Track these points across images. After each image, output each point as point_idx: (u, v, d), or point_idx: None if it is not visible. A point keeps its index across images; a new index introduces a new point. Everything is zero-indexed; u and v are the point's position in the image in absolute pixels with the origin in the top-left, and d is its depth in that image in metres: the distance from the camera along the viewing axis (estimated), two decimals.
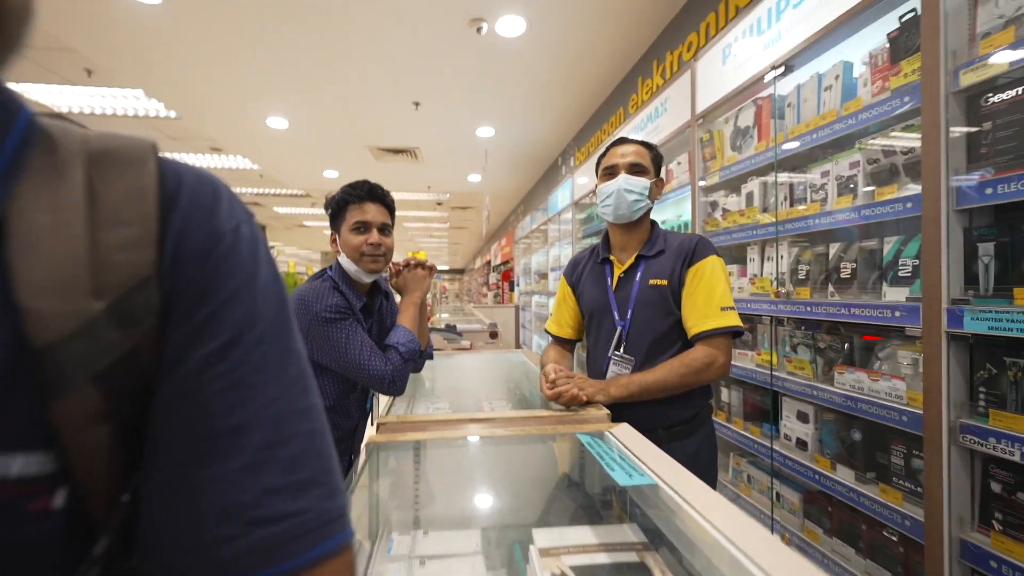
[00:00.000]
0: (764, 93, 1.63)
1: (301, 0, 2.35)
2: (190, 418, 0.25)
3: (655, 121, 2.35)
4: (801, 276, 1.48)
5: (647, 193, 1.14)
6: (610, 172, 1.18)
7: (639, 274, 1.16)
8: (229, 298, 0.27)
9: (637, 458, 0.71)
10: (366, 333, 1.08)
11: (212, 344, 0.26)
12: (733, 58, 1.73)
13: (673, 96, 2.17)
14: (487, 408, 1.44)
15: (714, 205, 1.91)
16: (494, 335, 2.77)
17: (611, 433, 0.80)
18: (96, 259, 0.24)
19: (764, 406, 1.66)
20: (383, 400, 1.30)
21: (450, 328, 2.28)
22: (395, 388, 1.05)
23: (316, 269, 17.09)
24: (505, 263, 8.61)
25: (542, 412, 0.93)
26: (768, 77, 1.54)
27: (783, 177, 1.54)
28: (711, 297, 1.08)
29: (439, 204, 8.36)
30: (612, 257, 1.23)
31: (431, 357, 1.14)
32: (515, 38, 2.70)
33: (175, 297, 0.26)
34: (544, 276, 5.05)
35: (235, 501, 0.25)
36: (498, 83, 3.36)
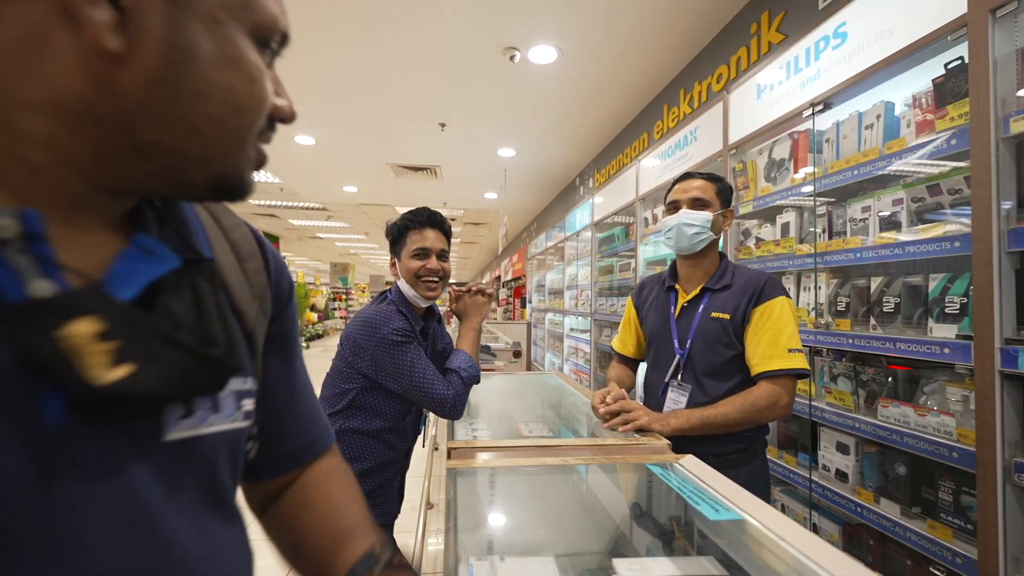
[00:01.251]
0: (801, 127, 1.68)
1: (337, 23, 2.44)
2: (293, 356, 0.48)
3: (684, 148, 2.40)
4: (840, 308, 1.50)
5: (709, 226, 1.17)
6: (673, 207, 1.23)
7: (702, 306, 1.19)
8: (291, 300, 0.48)
9: (714, 490, 0.73)
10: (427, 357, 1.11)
11: (293, 327, 0.48)
12: (768, 92, 1.78)
13: (704, 125, 2.23)
14: (524, 431, 1.46)
15: (746, 233, 1.95)
16: (518, 354, 2.80)
17: (680, 465, 0.82)
18: (248, 280, 0.41)
19: (800, 435, 1.67)
20: (430, 421, 1.32)
21: (484, 348, 2.30)
22: (455, 412, 1.08)
23: (324, 280, 17.22)
24: (517, 279, 8.65)
25: (607, 440, 0.95)
26: (806, 113, 1.59)
27: (822, 210, 1.57)
28: (778, 338, 1.09)
29: (452, 220, 8.45)
30: (677, 286, 1.26)
31: (478, 380, 1.17)
32: (546, 65, 2.79)
33: (275, 300, 0.45)
34: (560, 294, 5.08)
35: (315, 402, 0.51)
36: (524, 107, 3.45)
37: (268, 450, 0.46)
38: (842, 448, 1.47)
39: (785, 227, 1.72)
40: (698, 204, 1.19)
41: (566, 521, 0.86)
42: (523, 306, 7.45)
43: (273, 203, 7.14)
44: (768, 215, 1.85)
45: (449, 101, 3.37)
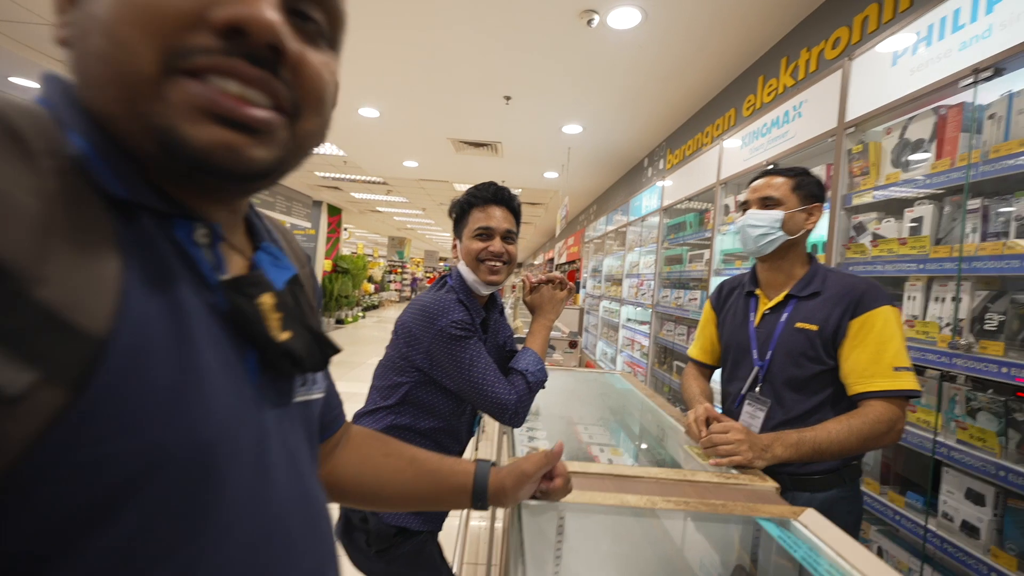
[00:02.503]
0: (952, 100, 1.35)
1: None
2: None
3: (784, 126, 2.09)
4: (990, 327, 1.21)
5: (778, 226, 1.06)
6: (744, 207, 1.14)
7: (786, 314, 1.06)
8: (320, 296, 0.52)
9: (846, 561, 0.56)
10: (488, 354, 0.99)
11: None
12: (908, 58, 1.46)
13: (812, 99, 1.90)
14: (588, 441, 1.32)
15: (860, 228, 1.65)
16: (574, 344, 2.65)
17: (800, 523, 0.65)
18: (306, 282, 0.46)
19: (911, 471, 1.41)
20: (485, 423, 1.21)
21: None
22: (516, 419, 0.96)
23: (382, 252, 17.79)
24: (571, 262, 8.40)
25: (701, 475, 0.79)
26: (964, 81, 1.27)
27: (974, 203, 1.27)
28: (882, 354, 0.95)
29: None
30: (758, 291, 1.15)
31: (544, 385, 1.04)
32: (626, 30, 2.52)
33: (318, 297, 0.50)
34: (618, 282, 4.83)
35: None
36: (597, 78, 3.19)
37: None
38: (975, 497, 1.21)
39: (917, 223, 1.42)
40: (767, 202, 1.08)
41: (651, 569, 0.72)
42: (576, 291, 7.24)
43: (337, 176, 7.33)
44: (892, 208, 1.55)
45: (516, 72, 3.18)
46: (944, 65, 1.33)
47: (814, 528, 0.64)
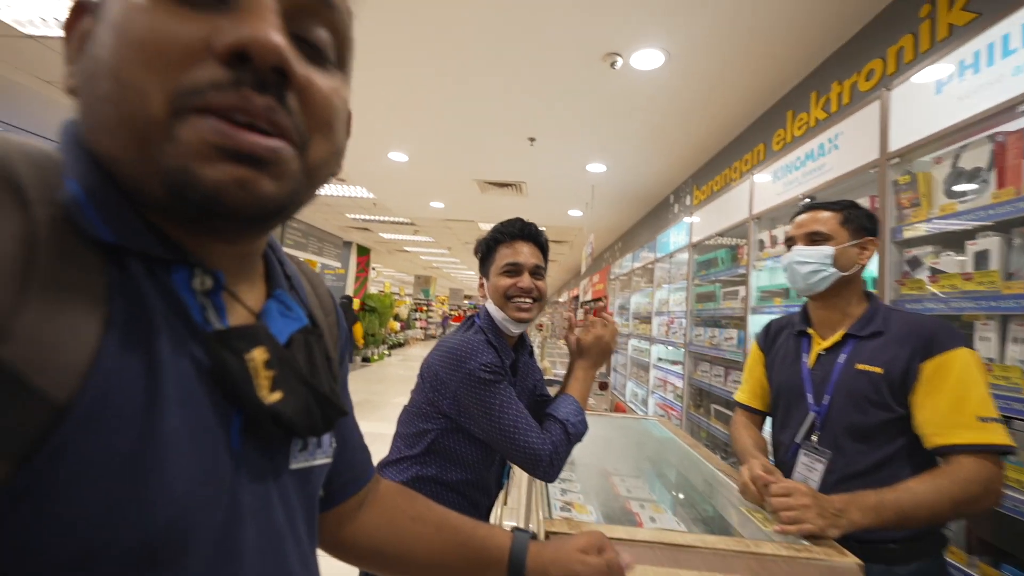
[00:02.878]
0: (1011, 126, 1.27)
1: (430, 43, 2.43)
2: (346, 390, 0.51)
3: (819, 159, 2.02)
4: None
5: (830, 262, 0.99)
6: (789, 243, 1.09)
7: (844, 355, 0.97)
8: (348, 344, 0.52)
9: None
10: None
11: (347, 366, 0.51)
12: (954, 85, 1.40)
13: (849, 131, 1.85)
14: (621, 490, 1.21)
15: (915, 263, 1.54)
16: (604, 386, 2.53)
17: None
18: (330, 331, 0.45)
19: (1006, 540, 1.22)
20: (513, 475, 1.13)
21: None
22: (551, 472, 0.88)
23: (408, 291, 18.10)
24: (596, 300, 8.30)
25: (762, 546, 0.69)
26: (1022, 107, 1.20)
27: None
28: (964, 401, 0.84)
29: None
30: (811, 331, 1.07)
31: (581, 438, 0.95)
32: (650, 71, 2.55)
33: (343, 347, 0.49)
34: (647, 320, 4.69)
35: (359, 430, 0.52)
36: (620, 118, 3.22)
37: (335, 479, 0.47)
38: None
39: (982, 256, 1.31)
40: (814, 238, 1.03)
41: None
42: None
43: (367, 217, 7.58)
44: (951, 241, 1.44)
45: (540, 114, 3.26)
46: (997, 91, 1.26)
47: None
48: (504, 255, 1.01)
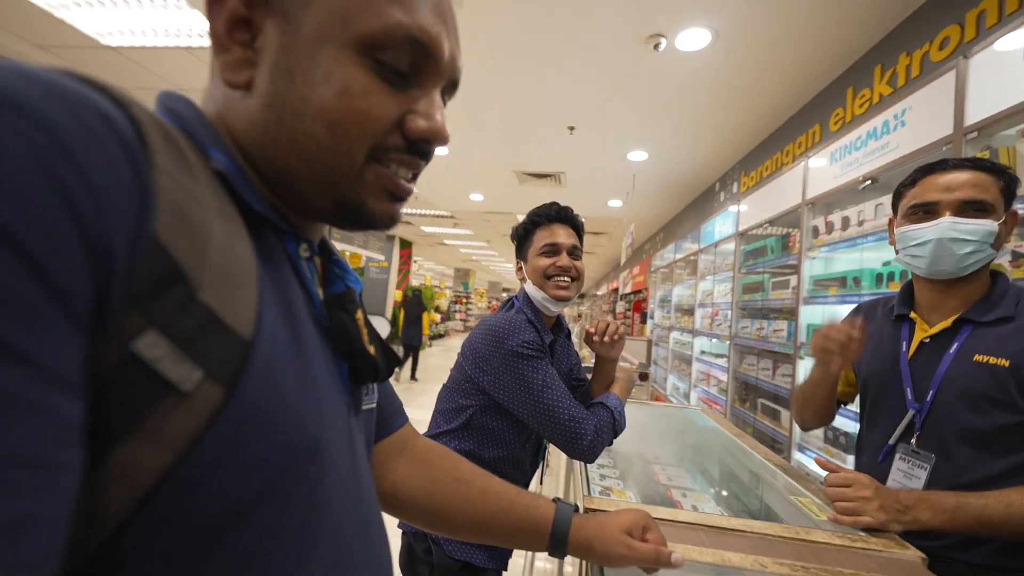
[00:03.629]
0: None
1: (467, 32, 2.43)
2: None
3: (883, 137, 1.88)
4: None
5: (991, 241, 0.80)
6: (926, 210, 0.85)
7: (957, 343, 0.82)
8: None
9: None
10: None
11: None
12: None
13: (918, 106, 1.70)
14: (662, 478, 1.19)
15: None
16: (644, 377, 2.49)
17: None
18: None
19: None
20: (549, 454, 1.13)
21: None
22: (591, 453, 0.88)
23: (448, 284, 18.40)
24: (636, 292, 8.12)
25: (813, 533, 0.66)
26: None
27: None
28: None
29: None
30: (914, 315, 0.91)
31: (618, 433, 0.96)
32: (695, 52, 2.45)
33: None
34: (689, 312, 4.55)
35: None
36: (663, 103, 3.12)
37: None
38: None
39: None
40: (973, 207, 0.80)
41: None
42: (643, 321, 6.93)
43: (410, 211, 7.75)
44: None
45: (580, 102, 3.21)
46: None
47: None
48: (542, 237, 1.04)
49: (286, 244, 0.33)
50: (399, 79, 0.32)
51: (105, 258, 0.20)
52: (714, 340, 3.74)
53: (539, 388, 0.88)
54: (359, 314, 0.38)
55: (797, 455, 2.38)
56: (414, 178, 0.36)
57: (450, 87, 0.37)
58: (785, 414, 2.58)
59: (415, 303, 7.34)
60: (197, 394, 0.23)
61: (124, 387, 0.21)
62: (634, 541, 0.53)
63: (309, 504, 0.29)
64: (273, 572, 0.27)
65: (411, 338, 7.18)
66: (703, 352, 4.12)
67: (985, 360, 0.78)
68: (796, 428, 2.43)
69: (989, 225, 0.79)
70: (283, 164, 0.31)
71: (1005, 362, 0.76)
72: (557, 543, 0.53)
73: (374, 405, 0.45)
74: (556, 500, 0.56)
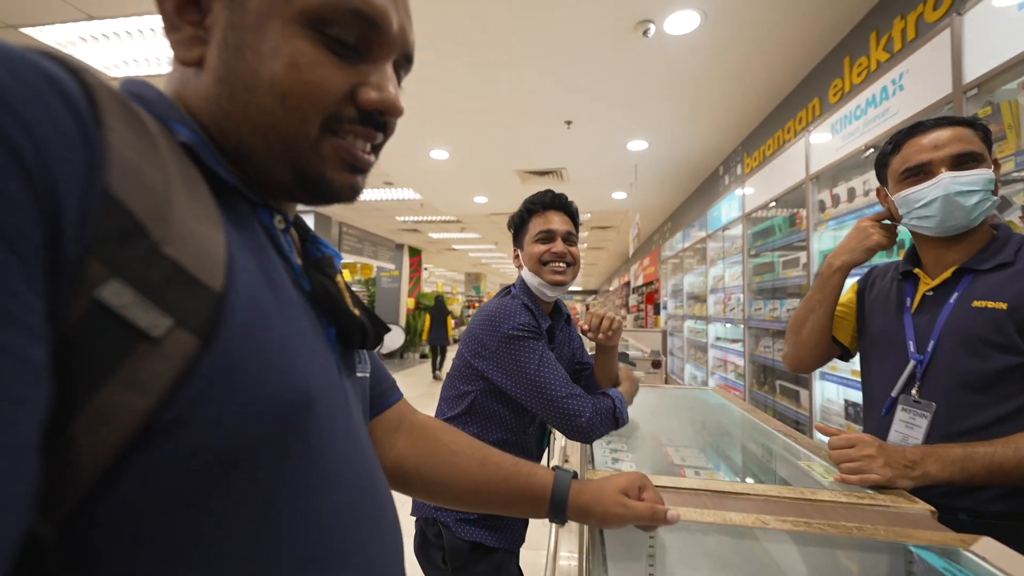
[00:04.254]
0: None
1: (461, 37, 2.46)
2: None
3: (882, 104, 1.85)
4: None
5: (992, 187, 0.80)
6: (922, 171, 0.85)
7: (957, 293, 0.82)
8: None
9: None
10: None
11: None
12: None
13: (915, 68, 1.67)
14: (675, 458, 1.18)
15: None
16: (657, 364, 2.48)
17: (975, 554, 0.50)
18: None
19: None
20: (556, 437, 1.14)
21: (621, 356, 2.06)
22: (587, 433, 0.88)
23: (460, 289, 18.46)
24: (648, 284, 8.06)
25: (819, 493, 0.65)
26: None
27: None
28: None
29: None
30: (917, 271, 0.91)
31: (619, 425, 0.95)
32: (685, 35, 2.44)
33: None
34: (702, 299, 4.51)
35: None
36: (658, 90, 3.11)
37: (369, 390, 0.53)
38: None
39: None
40: (967, 159, 0.81)
41: None
42: (656, 312, 6.88)
43: (416, 218, 7.83)
44: None
45: (575, 96, 3.21)
46: None
47: (998, 562, 0.48)
48: (537, 224, 1.05)
49: (260, 215, 0.35)
50: (348, 52, 0.33)
51: (52, 203, 0.21)
52: (728, 325, 3.70)
53: (535, 368, 0.89)
54: (339, 279, 0.39)
55: (818, 435, 2.33)
56: (374, 150, 0.38)
57: (404, 61, 0.38)
58: (804, 394, 2.54)
59: (440, 308, 7.81)
60: (169, 341, 0.24)
61: (96, 333, 0.22)
62: (630, 500, 0.53)
63: (302, 454, 0.30)
64: (272, 522, 0.28)
65: (439, 339, 7.67)
66: (718, 338, 4.08)
67: (984, 305, 0.78)
68: (817, 407, 2.39)
69: (987, 173, 0.80)
70: (238, 138, 0.33)
71: (1003, 305, 0.76)
72: (557, 509, 0.54)
73: (367, 375, 0.45)
74: (555, 468, 0.57)
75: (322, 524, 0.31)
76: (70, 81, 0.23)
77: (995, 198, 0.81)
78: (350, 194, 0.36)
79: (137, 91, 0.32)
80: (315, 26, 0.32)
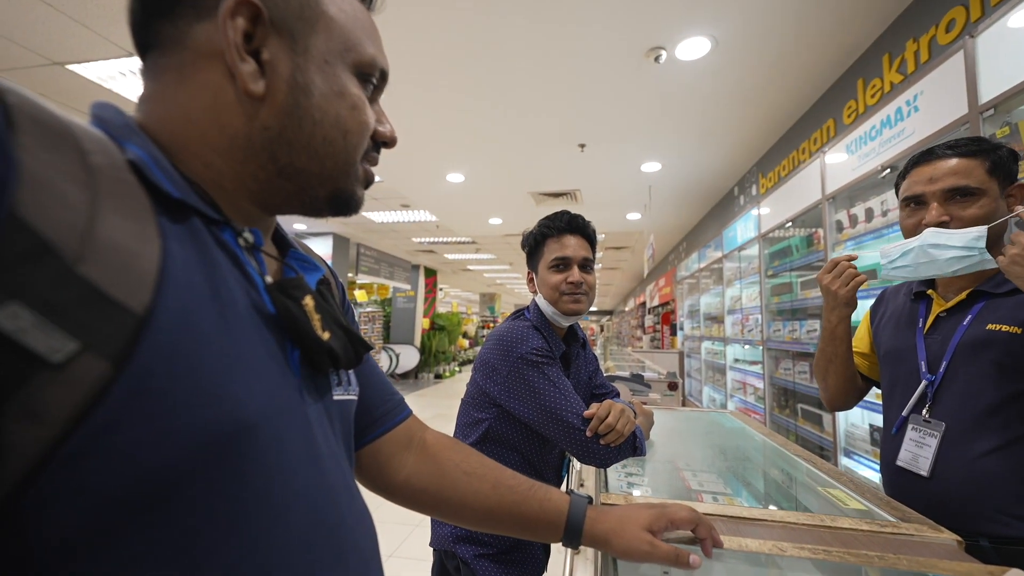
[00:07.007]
0: None
1: (474, 61, 2.55)
2: None
3: (897, 125, 1.85)
4: None
5: (981, 244, 0.77)
6: (916, 202, 0.86)
7: (971, 315, 0.82)
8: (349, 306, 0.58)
9: None
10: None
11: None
12: None
13: (929, 90, 1.67)
14: (693, 483, 1.16)
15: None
16: (673, 386, 2.44)
17: None
18: (339, 293, 0.54)
19: None
20: (576, 467, 1.13)
21: (636, 378, 2.04)
22: (604, 455, 0.87)
23: (475, 309, 18.49)
24: (664, 304, 7.98)
25: (839, 520, 0.64)
26: None
27: None
28: None
29: None
30: (931, 292, 0.92)
31: (634, 453, 0.93)
32: (696, 60, 2.49)
33: (346, 306, 0.56)
34: (719, 320, 4.44)
35: (385, 378, 0.57)
36: (670, 113, 3.15)
37: (373, 410, 0.53)
38: None
39: None
40: (959, 195, 0.80)
41: None
42: (673, 333, 6.78)
43: (431, 240, 7.94)
44: None
45: (588, 120, 3.27)
46: None
47: None
48: (553, 249, 1.02)
49: (221, 233, 0.34)
50: (368, 96, 0.41)
51: None
52: (746, 347, 3.63)
53: (547, 393, 0.88)
54: (308, 300, 0.37)
55: (844, 460, 2.25)
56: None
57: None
58: (828, 418, 2.46)
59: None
60: (75, 367, 0.23)
61: None
62: (657, 540, 0.52)
63: (236, 489, 0.28)
64: (196, 564, 0.26)
65: None
66: (736, 360, 4.00)
67: (998, 328, 0.78)
68: (841, 432, 2.31)
69: (972, 232, 0.77)
70: (289, 161, 0.36)
71: (1017, 329, 0.76)
72: (571, 534, 0.54)
73: (352, 397, 0.44)
74: (570, 492, 0.57)
75: (260, 565, 0.29)
76: None
77: (985, 256, 0.77)
78: (359, 205, 0.42)
79: (99, 113, 0.33)
80: (361, 76, 0.39)
